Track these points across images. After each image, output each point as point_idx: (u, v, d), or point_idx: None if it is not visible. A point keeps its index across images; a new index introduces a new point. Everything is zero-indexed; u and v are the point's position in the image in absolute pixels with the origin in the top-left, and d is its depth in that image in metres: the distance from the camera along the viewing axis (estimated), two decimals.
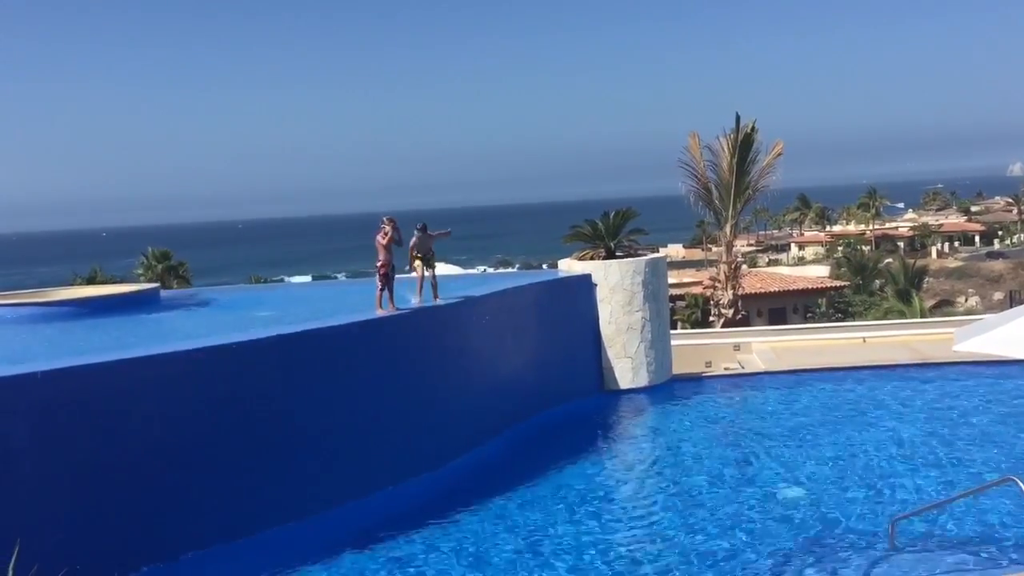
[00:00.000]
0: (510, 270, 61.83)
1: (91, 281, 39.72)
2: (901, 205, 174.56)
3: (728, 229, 27.20)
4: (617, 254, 17.64)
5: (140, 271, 44.22)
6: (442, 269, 29.93)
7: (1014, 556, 8.45)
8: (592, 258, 17.60)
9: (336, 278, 64.63)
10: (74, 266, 52.63)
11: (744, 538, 9.66)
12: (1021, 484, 7.39)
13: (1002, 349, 6.97)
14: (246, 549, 9.68)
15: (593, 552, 9.57)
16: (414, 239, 12.66)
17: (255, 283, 50.15)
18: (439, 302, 13.04)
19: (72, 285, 33.22)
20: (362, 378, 11.54)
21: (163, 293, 18.90)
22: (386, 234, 11.97)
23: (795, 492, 10.97)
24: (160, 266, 43.91)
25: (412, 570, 9.38)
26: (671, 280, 36.47)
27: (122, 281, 37.08)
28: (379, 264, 12.03)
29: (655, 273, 17.24)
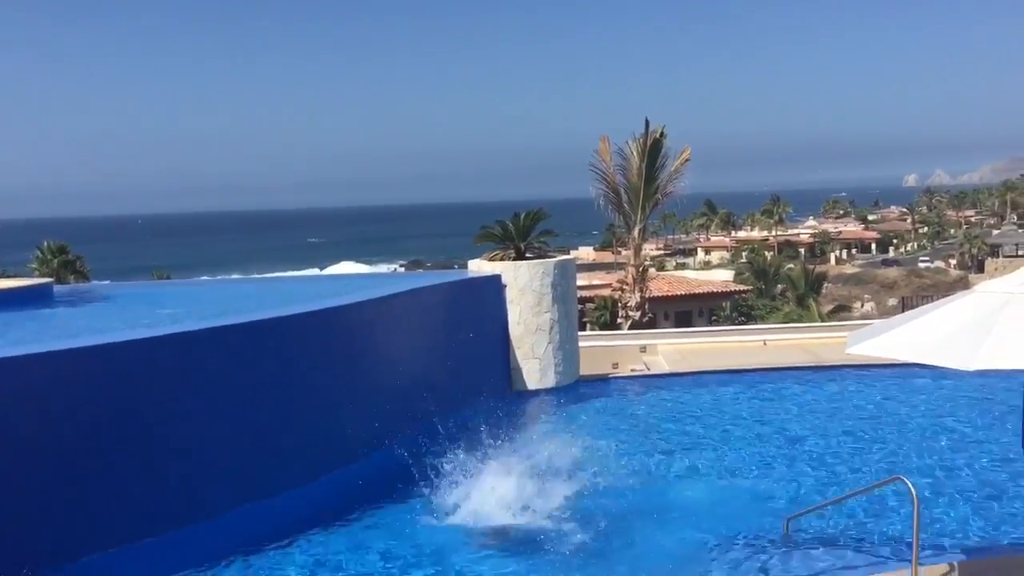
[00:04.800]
0: (419, 271, 61.56)
1: None
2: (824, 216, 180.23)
3: (637, 233, 27.60)
4: (527, 255, 17.71)
5: (35, 265, 42.44)
6: (350, 267, 29.58)
7: (900, 552, 8.78)
8: (502, 259, 17.63)
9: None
10: None
11: (641, 535, 9.80)
12: (909, 483, 7.68)
13: (890, 352, 7.22)
14: (119, 560, 9.27)
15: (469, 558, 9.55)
16: None
17: (158, 279, 48.64)
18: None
19: None
20: (265, 377, 11.29)
21: (57, 288, 18.19)
22: None
23: (693, 489, 11.18)
24: (56, 260, 42.21)
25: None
26: (581, 282, 36.90)
27: (15, 276, 35.57)
28: None
29: (564, 275, 17.37)
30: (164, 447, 10.02)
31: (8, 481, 8.70)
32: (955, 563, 8.04)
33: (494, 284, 16.87)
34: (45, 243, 43.52)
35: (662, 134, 26.74)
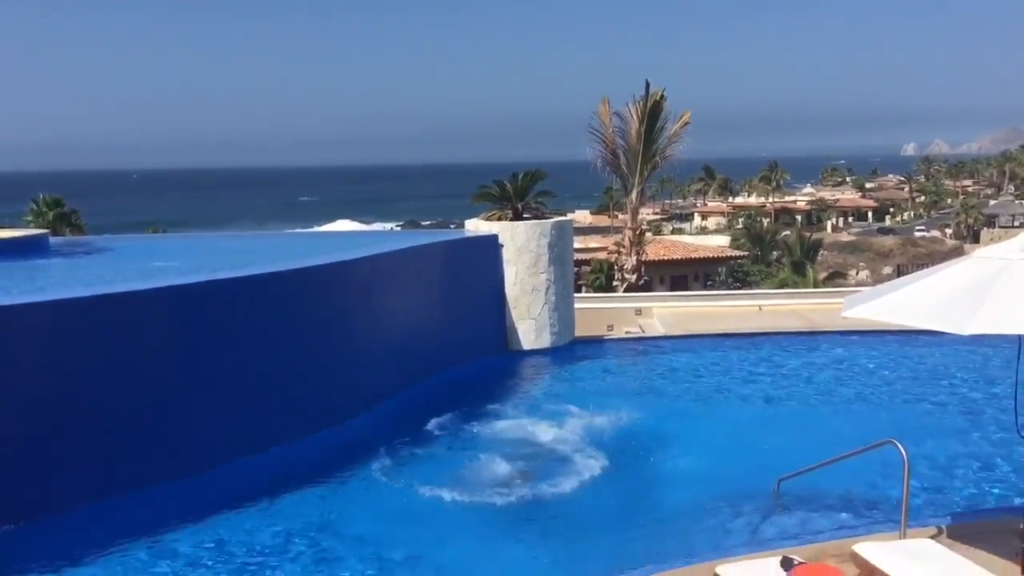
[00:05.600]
0: (417, 230, 61.40)
1: None
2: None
3: (634, 195, 27.46)
4: (524, 216, 17.66)
5: (30, 218, 42.27)
6: (346, 226, 29.46)
7: (889, 514, 8.87)
8: (499, 219, 17.58)
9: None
10: None
11: (631, 495, 9.88)
12: (899, 446, 7.73)
13: (886, 315, 7.23)
14: (123, 505, 9.41)
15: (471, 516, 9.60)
16: None
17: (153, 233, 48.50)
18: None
19: None
20: (262, 332, 11.30)
21: (53, 240, 18.17)
22: None
23: (684, 450, 11.26)
24: (51, 213, 42.06)
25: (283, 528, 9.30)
26: (577, 245, 36.79)
27: (11, 227, 35.42)
28: None
29: (561, 236, 17.34)
30: (160, 399, 10.07)
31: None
32: (943, 526, 8.12)
33: (491, 244, 16.84)
34: (40, 196, 43.31)
35: (662, 97, 26.50)
